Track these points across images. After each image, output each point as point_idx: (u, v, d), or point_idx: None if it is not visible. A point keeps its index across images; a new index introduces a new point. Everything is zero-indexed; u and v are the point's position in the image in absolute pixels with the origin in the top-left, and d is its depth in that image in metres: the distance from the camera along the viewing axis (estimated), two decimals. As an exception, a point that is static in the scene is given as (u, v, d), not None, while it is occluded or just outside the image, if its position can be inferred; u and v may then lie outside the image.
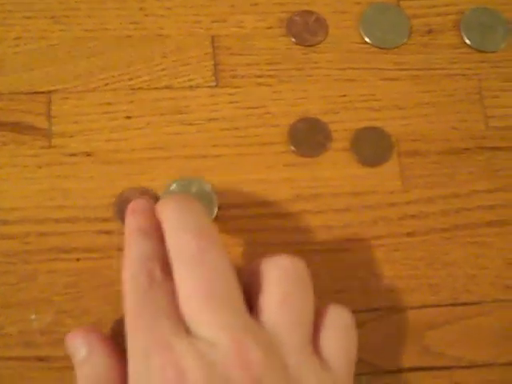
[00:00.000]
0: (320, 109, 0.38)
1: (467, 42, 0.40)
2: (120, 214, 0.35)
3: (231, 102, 0.38)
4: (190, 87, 0.38)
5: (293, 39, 0.40)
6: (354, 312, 0.31)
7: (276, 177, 0.37)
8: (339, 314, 0.29)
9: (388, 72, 0.40)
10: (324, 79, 0.39)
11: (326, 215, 0.37)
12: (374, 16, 0.41)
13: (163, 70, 0.39)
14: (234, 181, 0.38)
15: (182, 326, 0.25)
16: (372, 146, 0.40)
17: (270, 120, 0.38)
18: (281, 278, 0.28)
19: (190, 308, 0.26)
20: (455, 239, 0.37)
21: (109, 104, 0.39)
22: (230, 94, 0.38)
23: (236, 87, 0.38)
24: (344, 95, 0.39)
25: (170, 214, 0.29)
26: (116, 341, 0.29)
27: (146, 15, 0.40)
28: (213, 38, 0.39)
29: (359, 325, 0.32)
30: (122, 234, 0.32)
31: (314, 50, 0.40)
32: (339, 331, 0.28)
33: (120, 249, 0.32)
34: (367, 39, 0.41)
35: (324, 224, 0.37)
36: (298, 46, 0.40)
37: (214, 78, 0.38)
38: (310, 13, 0.40)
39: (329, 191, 0.38)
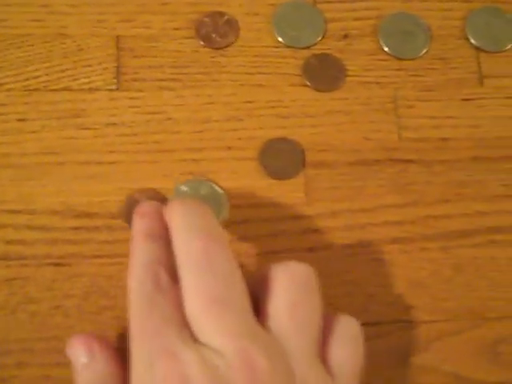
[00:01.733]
0: (223, 115, 0.37)
1: (385, 48, 0.39)
2: (129, 216, 0.34)
3: (131, 107, 0.37)
4: (90, 90, 0.37)
5: (201, 42, 0.37)
6: None
7: (172, 186, 0.35)
8: (347, 323, 0.29)
9: (298, 78, 0.38)
10: (230, 84, 0.37)
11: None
12: (288, 14, 0.40)
13: (63, 71, 0.37)
14: (129, 187, 0.37)
15: (188, 333, 0.25)
16: (281, 159, 0.38)
17: (170, 126, 0.36)
18: (290, 284, 0.27)
19: (196, 314, 0.25)
20: (358, 256, 0.35)
21: (1, 105, 0.37)
22: (131, 98, 0.37)
23: (138, 91, 0.37)
24: (250, 101, 0.37)
25: (177, 218, 0.28)
26: (117, 347, 0.29)
27: (50, 13, 0.38)
28: (117, 38, 0.38)
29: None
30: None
31: (223, 53, 0.38)
32: (347, 341, 0.28)
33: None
34: (280, 38, 0.40)
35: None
36: (207, 49, 0.38)
37: (115, 80, 0.37)
38: (221, 14, 0.38)
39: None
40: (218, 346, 0.24)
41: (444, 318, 0.35)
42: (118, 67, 0.37)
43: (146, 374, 0.25)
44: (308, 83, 0.38)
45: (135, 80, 0.37)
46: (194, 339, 0.25)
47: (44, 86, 0.37)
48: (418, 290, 0.35)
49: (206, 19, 0.38)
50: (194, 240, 0.27)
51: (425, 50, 0.40)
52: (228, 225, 0.36)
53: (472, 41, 0.41)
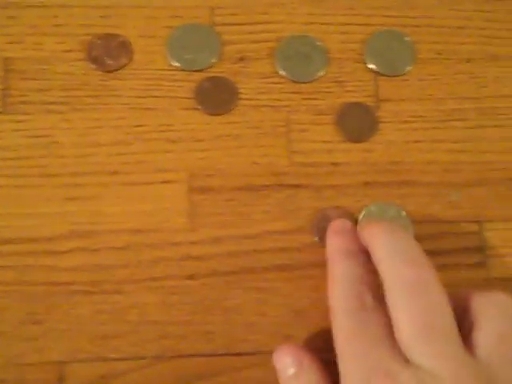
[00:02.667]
0: (111, 139, 0.36)
1: (280, 71, 0.38)
2: (319, 231, 0.36)
3: (17, 130, 0.37)
4: (-29, 113, 0.36)
5: (92, 64, 0.37)
6: (116, 360, 0.33)
7: (53, 211, 0.35)
8: None
9: (190, 101, 0.37)
10: (120, 108, 0.37)
11: (102, 253, 0.34)
12: (184, 37, 0.40)
13: None
14: (13, 213, 0.37)
15: (399, 354, 0.26)
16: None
17: (56, 150, 0.36)
18: (498, 315, 0.28)
19: (409, 337, 0.26)
20: (239, 283, 0.35)
21: None
22: (17, 122, 0.37)
23: (24, 114, 0.37)
24: (140, 125, 0.37)
25: (382, 241, 0.29)
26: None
27: None
28: (5, 60, 0.37)
29: (118, 374, 0.33)
30: None
31: (115, 76, 0.37)
32: None
33: None
34: (174, 61, 0.40)
35: (100, 263, 0.34)
36: (98, 72, 0.38)
37: (2, 104, 0.36)
38: (115, 36, 0.38)
39: (108, 228, 0.34)
40: (431, 368, 0.25)
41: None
42: (4, 90, 0.37)
43: None
44: (199, 107, 0.37)
45: (22, 103, 0.37)
46: (405, 360, 0.26)
47: None
48: (299, 319, 0.34)
49: (99, 41, 0.38)
50: (404, 267, 0.28)
51: (321, 73, 0.38)
52: (103, 250, 0.38)
53: (370, 65, 0.40)
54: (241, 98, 0.39)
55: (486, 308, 0.28)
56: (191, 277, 0.36)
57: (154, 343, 0.35)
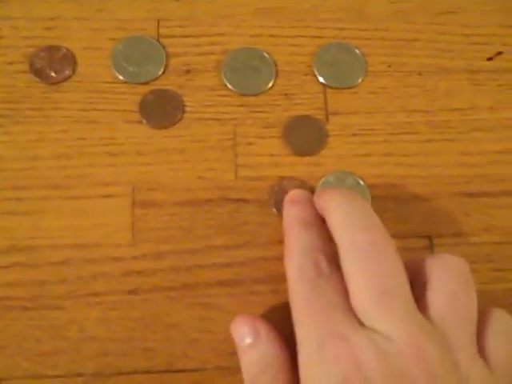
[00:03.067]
0: (52, 153, 0.38)
1: (227, 84, 0.40)
2: (276, 204, 0.38)
3: (-44, 143, 0.37)
4: None
5: (34, 76, 0.39)
6: (54, 377, 0.34)
7: (-7, 224, 0.36)
8: (502, 317, 0.30)
9: (134, 114, 0.39)
10: (62, 121, 0.39)
11: (41, 269, 0.35)
12: (129, 49, 0.41)
13: None
14: None
15: (355, 319, 0.28)
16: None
17: (-4, 163, 0.37)
18: (448, 275, 0.29)
19: (364, 302, 0.28)
20: (182, 299, 0.36)
21: None
22: (-44, 134, 0.37)
23: (-37, 126, 0.37)
24: (82, 138, 0.39)
25: (336, 208, 0.31)
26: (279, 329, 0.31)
27: None
28: None
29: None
30: None
31: (58, 88, 0.39)
32: (502, 335, 0.29)
33: None
34: (118, 74, 0.41)
35: (38, 278, 0.35)
36: (41, 84, 0.39)
37: None
38: (58, 48, 0.40)
39: (48, 243, 0.36)
40: (386, 331, 0.27)
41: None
42: None
43: (315, 356, 0.27)
44: (143, 120, 0.38)
45: (-38, 115, 0.38)
46: (360, 324, 0.27)
47: None
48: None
49: (42, 53, 0.39)
50: (358, 231, 0.29)
51: (269, 86, 0.40)
52: (42, 265, 0.39)
53: (319, 77, 0.41)
54: (186, 111, 0.40)
55: (437, 269, 0.29)
56: (132, 292, 0.37)
57: (94, 360, 0.35)
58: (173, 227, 0.37)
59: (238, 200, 0.39)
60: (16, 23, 0.41)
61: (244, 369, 0.31)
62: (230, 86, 0.40)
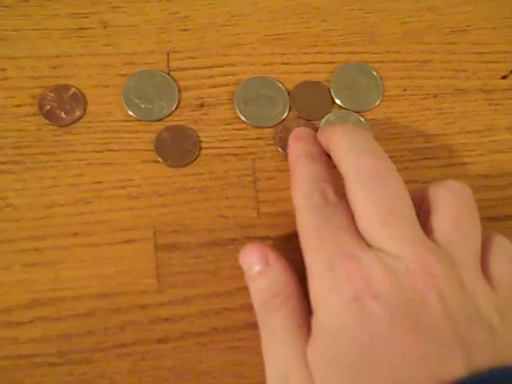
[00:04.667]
0: (69, 199, 0.36)
1: (242, 116, 0.38)
2: (281, 142, 0.39)
3: (-31, 194, 0.35)
4: None
5: (44, 119, 0.37)
6: None
7: (12, 279, 0.34)
8: (504, 242, 0.31)
9: (149, 153, 0.37)
10: (77, 164, 0.37)
11: (66, 321, 0.34)
12: (140, 85, 0.40)
13: None
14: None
15: (364, 242, 0.28)
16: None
17: (11, 214, 0.36)
18: (452, 199, 0.30)
19: (371, 224, 0.29)
20: (212, 345, 0.35)
21: None
22: (-32, 185, 0.35)
23: (-25, 177, 0.35)
24: (98, 182, 0.37)
25: (341, 140, 0.31)
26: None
27: None
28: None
29: None
30: None
31: (69, 130, 0.37)
32: (505, 257, 0.30)
33: None
34: (130, 112, 0.40)
35: (64, 332, 0.34)
36: (51, 127, 0.37)
37: None
38: (67, 88, 0.38)
39: (71, 294, 0.34)
40: (393, 251, 0.28)
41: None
42: (-48, 150, 0.36)
43: (327, 276, 0.28)
44: (160, 159, 0.37)
45: (-27, 164, 0.36)
46: (368, 246, 0.28)
47: None
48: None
49: (50, 94, 0.38)
50: (363, 158, 0.30)
51: (284, 116, 0.38)
52: (67, 318, 0.37)
53: (336, 100, 0.41)
54: (203, 148, 0.39)
55: (441, 194, 0.30)
56: (162, 340, 0.36)
57: (123, 413, 0.33)
58: (198, 270, 0.36)
59: (262, 238, 0.38)
60: (21, 63, 0.39)
61: (254, 296, 0.32)
62: (244, 119, 0.39)
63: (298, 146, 0.33)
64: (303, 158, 0.32)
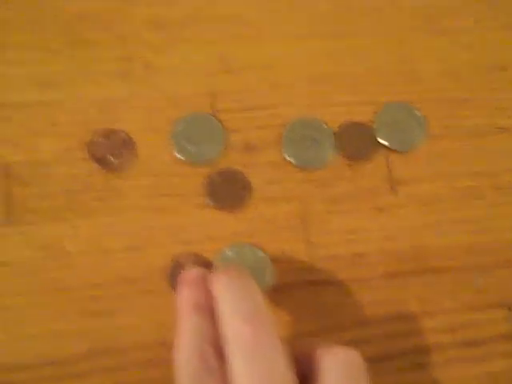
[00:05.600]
0: (123, 245, 0.35)
1: (288, 159, 0.38)
2: (173, 280, 0.36)
3: (23, 242, 0.36)
4: (-23, 226, 0.35)
5: (95, 164, 0.36)
6: None
7: (69, 328, 0.34)
8: None
9: (200, 198, 0.37)
10: (129, 210, 0.37)
11: (126, 371, 0.35)
12: (187, 128, 0.39)
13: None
14: (28, 335, 0.36)
15: None
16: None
17: (66, 261, 0.35)
18: (340, 373, 0.29)
19: None
20: None
21: None
22: (22, 233, 0.36)
23: (29, 224, 0.36)
24: (151, 227, 0.36)
25: (225, 296, 0.30)
26: None
27: None
28: (5, 166, 0.36)
29: None
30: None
31: (120, 175, 0.37)
32: None
33: None
34: (180, 156, 0.39)
35: (125, 381, 0.34)
36: (102, 172, 0.37)
37: (4, 213, 0.35)
38: (116, 132, 0.37)
39: (131, 342, 0.35)
40: None
41: None
42: (6, 198, 0.36)
43: None
44: (211, 203, 0.37)
45: (27, 211, 0.36)
46: None
47: None
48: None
49: (100, 139, 0.37)
50: (242, 326, 0.28)
51: (331, 158, 0.38)
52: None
53: (380, 140, 0.41)
54: (252, 190, 0.38)
55: (329, 363, 0.29)
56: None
57: None
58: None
59: (313, 281, 0.39)
60: (70, 108, 0.39)
61: None
62: (292, 161, 0.39)
63: (186, 294, 0.31)
64: (187, 312, 0.31)
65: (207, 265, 0.37)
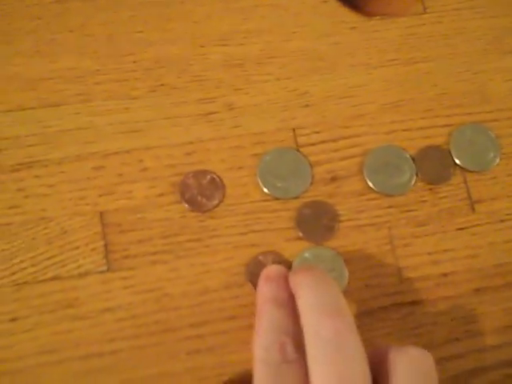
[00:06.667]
0: (221, 283, 0.36)
1: (372, 186, 0.38)
2: (252, 277, 0.37)
3: (126, 287, 0.36)
4: (80, 275, 0.36)
5: (187, 205, 0.37)
6: None
7: (179, 367, 0.35)
8: None
9: (292, 231, 0.38)
10: (224, 248, 0.37)
11: None
12: (272, 163, 0.40)
13: (49, 258, 0.36)
14: (136, 378, 0.37)
15: None
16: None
17: (168, 303, 0.36)
18: (411, 372, 0.29)
19: None
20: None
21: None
22: (124, 278, 0.36)
23: (130, 269, 0.36)
24: (247, 264, 0.37)
25: (306, 291, 0.30)
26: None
27: (26, 196, 0.37)
28: (101, 214, 0.37)
29: None
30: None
31: (211, 215, 0.37)
32: None
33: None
34: (267, 191, 0.40)
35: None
36: (194, 213, 0.38)
37: (105, 260, 0.36)
38: (204, 173, 0.38)
39: (238, 378, 0.35)
40: None
41: None
42: (106, 246, 0.37)
43: None
44: (302, 235, 0.37)
45: (126, 257, 0.37)
46: None
47: (32, 278, 0.36)
48: None
49: (189, 181, 0.38)
50: (323, 319, 0.28)
51: (412, 183, 0.39)
52: None
53: (457, 160, 0.42)
54: (341, 221, 0.38)
55: (401, 363, 0.29)
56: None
57: None
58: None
59: (408, 303, 0.39)
60: (156, 152, 0.39)
61: None
62: (376, 189, 0.39)
63: (266, 289, 0.33)
64: (270, 305, 0.31)
65: (286, 264, 0.38)
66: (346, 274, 0.38)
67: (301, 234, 0.38)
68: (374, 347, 0.31)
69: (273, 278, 0.33)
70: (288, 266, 0.38)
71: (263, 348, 0.30)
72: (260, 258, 0.38)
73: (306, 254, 0.38)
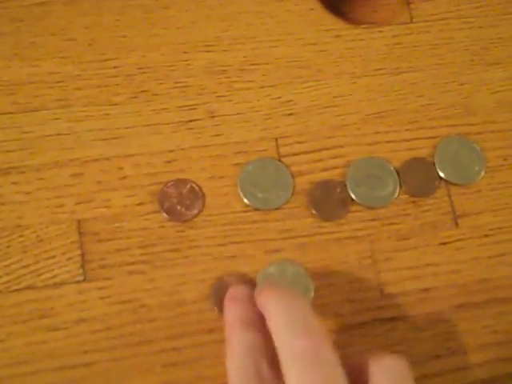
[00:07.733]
0: (199, 295, 0.35)
1: (354, 198, 0.37)
2: (218, 301, 0.36)
3: (102, 298, 0.35)
4: (55, 285, 0.35)
5: (166, 215, 0.35)
6: None
7: (154, 380, 0.34)
8: None
9: (272, 243, 0.37)
10: (202, 259, 0.36)
11: None
12: (254, 174, 0.39)
13: (24, 267, 0.35)
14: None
15: None
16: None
17: (145, 314, 0.34)
18: (390, 380, 0.29)
19: None
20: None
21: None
22: (100, 288, 0.35)
23: (106, 279, 0.35)
24: (226, 276, 0.35)
25: (274, 309, 0.29)
26: None
27: (2, 203, 0.36)
28: (79, 222, 0.35)
29: None
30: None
31: (191, 225, 0.36)
32: None
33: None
34: (247, 201, 0.39)
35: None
36: (173, 223, 0.36)
37: (81, 270, 0.35)
38: (184, 182, 0.37)
39: None
40: None
41: None
42: (82, 255, 0.36)
43: None
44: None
45: (102, 267, 0.36)
46: None
47: (6, 288, 0.35)
48: None
49: (168, 190, 0.37)
50: (297, 338, 0.28)
51: (396, 195, 0.38)
52: None
53: (441, 173, 0.41)
54: (322, 233, 0.38)
55: (379, 375, 0.29)
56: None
57: None
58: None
59: (388, 319, 0.38)
60: (137, 160, 0.38)
61: None
62: (358, 201, 0.37)
63: (233, 310, 0.32)
64: (238, 327, 0.30)
65: (249, 282, 0.37)
66: (312, 287, 0.37)
67: (281, 248, 0.36)
68: (352, 359, 0.30)
69: (238, 299, 0.32)
70: (251, 283, 0.36)
71: (238, 372, 0.29)
72: (225, 279, 0.37)
73: (270, 269, 0.37)
